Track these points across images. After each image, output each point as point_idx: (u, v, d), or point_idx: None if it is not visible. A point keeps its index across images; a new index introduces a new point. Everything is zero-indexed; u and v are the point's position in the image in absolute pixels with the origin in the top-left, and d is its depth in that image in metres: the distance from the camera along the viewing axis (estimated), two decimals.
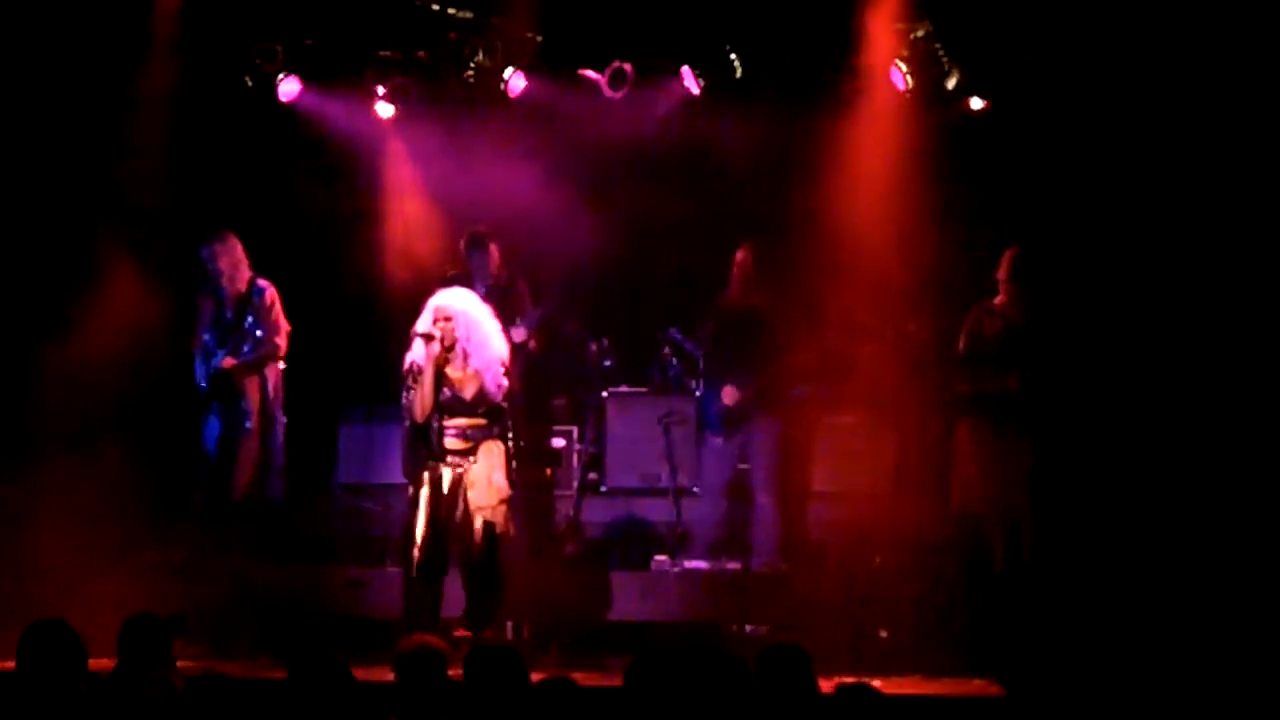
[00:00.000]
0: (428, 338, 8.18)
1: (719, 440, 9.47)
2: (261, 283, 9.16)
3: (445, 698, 5.20)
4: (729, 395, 9.39)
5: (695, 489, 9.66)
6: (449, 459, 8.20)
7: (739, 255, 9.54)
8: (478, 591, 8.16)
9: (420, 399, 8.18)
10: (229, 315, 9.09)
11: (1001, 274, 8.95)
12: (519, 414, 8.81)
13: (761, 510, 9.36)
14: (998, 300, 8.96)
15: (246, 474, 9.05)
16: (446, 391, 8.21)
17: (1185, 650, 7.67)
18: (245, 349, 9.10)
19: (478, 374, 8.19)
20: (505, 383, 8.27)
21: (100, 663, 5.64)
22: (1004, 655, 7.97)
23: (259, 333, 9.12)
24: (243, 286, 9.12)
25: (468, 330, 8.22)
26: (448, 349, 8.20)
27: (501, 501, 8.13)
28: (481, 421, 8.23)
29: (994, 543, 8.73)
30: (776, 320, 9.39)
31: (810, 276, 9.65)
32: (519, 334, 9.20)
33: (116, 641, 5.76)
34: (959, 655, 8.11)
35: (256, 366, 9.12)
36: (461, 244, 9.68)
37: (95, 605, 7.25)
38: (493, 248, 9.60)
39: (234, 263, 9.10)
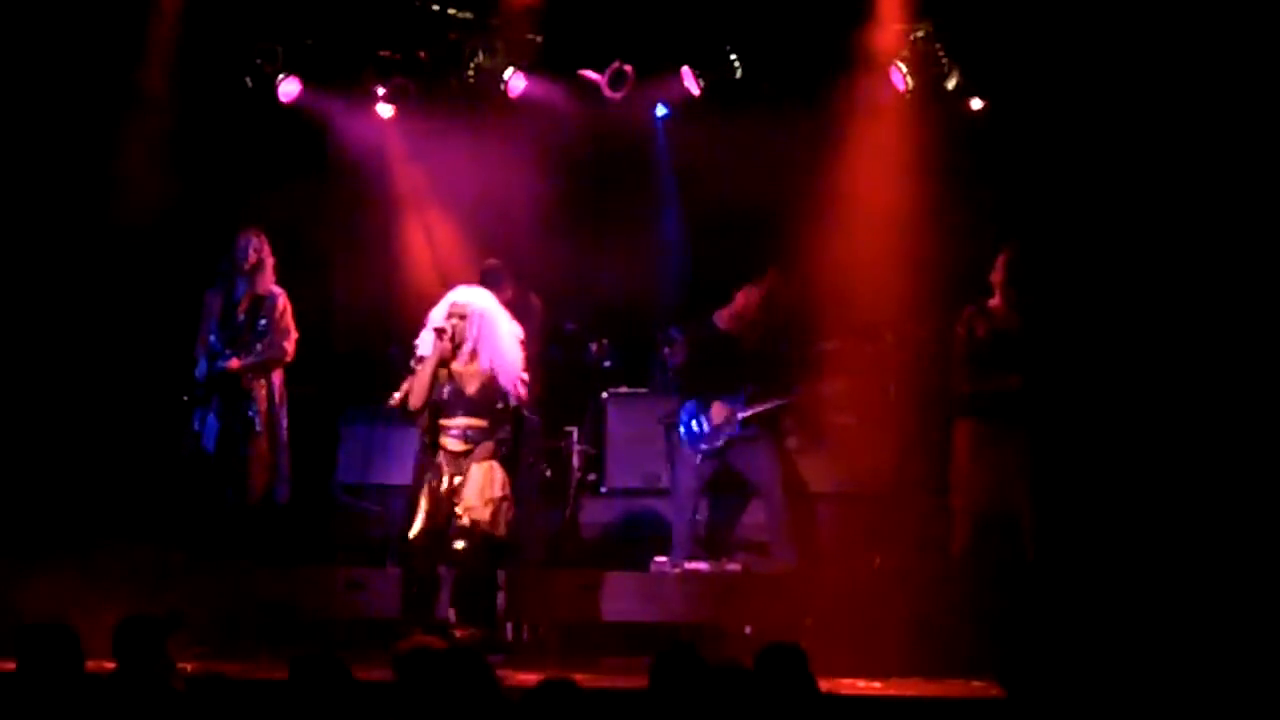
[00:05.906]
0: (439, 333, 8.18)
1: (696, 456, 9.37)
2: (275, 289, 9.16)
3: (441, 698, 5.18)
4: (719, 413, 9.31)
5: (669, 489, 9.56)
6: (447, 459, 8.19)
7: (747, 292, 9.44)
8: (473, 592, 8.15)
9: (416, 387, 8.18)
10: (240, 318, 9.08)
11: (996, 276, 8.94)
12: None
13: (775, 511, 9.31)
14: (992, 302, 8.96)
15: (260, 478, 9.03)
16: (448, 388, 8.20)
17: (1186, 650, 7.66)
18: (255, 351, 9.08)
19: (487, 372, 8.18)
20: (523, 384, 8.25)
21: (99, 663, 5.62)
22: (1005, 655, 7.95)
23: (269, 336, 9.10)
24: (265, 287, 9.12)
25: (480, 329, 8.21)
26: (455, 345, 8.19)
27: (490, 502, 8.10)
28: (482, 423, 8.21)
29: (994, 542, 8.73)
30: (771, 349, 9.37)
31: (809, 277, 9.65)
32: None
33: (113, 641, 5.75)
34: (959, 655, 8.09)
35: (263, 370, 9.11)
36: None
37: (94, 605, 7.24)
38: (504, 282, 9.29)
39: (264, 258, 9.12)
